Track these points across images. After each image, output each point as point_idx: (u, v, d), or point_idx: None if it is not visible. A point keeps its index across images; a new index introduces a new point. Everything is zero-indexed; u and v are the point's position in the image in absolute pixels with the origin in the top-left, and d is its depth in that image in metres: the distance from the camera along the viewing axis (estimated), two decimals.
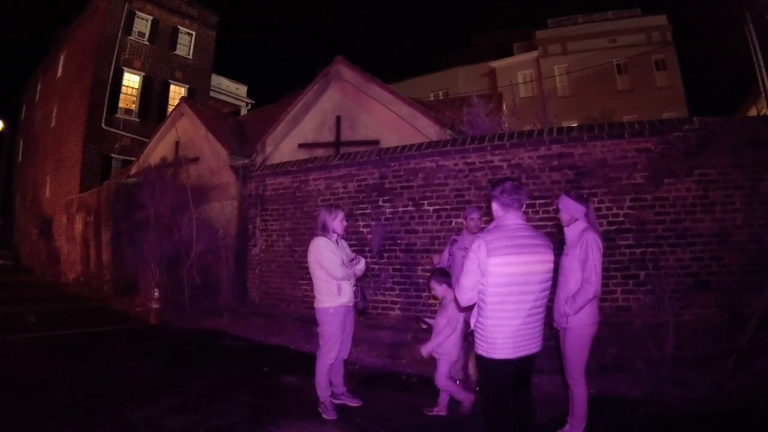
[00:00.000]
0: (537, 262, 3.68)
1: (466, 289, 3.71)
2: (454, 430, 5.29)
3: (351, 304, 5.86)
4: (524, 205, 3.90)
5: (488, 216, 7.77)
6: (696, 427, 5.11)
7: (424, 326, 5.93)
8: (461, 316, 5.47)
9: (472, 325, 3.84)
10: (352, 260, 5.92)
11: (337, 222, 5.82)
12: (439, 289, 5.77)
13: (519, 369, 3.75)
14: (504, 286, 3.59)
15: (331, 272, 5.63)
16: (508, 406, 3.78)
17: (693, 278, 7.08)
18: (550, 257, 3.78)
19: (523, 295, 3.62)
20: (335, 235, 5.86)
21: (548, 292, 3.81)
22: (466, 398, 5.56)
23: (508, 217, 3.78)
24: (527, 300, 3.64)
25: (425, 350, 5.59)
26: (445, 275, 5.88)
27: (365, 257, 9.05)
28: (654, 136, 7.48)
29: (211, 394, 6.34)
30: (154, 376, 7.17)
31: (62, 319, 11.47)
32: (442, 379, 5.58)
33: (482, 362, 3.77)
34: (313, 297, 5.87)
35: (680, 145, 7.34)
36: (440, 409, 5.61)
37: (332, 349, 5.71)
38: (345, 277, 5.68)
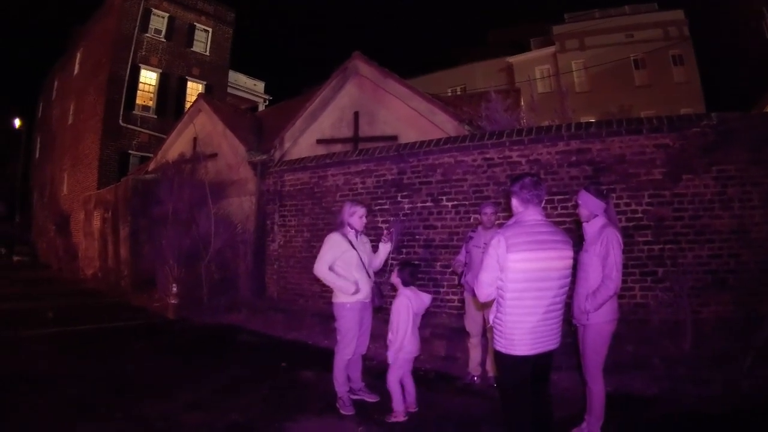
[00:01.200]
0: (556, 258, 3.66)
1: (485, 285, 3.69)
2: (471, 425, 5.26)
3: (368, 301, 5.84)
4: (543, 201, 3.88)
5: (505, 212, 7.81)
6: (712, 425, 5.06)
7: None
8: (410, 310, 5.31)
9: (490, 322, 3.83)
10: (384, 236, 5.94)
11: (354, 218, 5.79)
12: (395, 280, 5.60)
13: (537, 365, 3.74)
14: (522, 282, 3.58)
15: (318, 260, 5.72)
16: (526, 403, 3.77)
17: (711, 276, 7.02)
18: (569, 253, 3.77)
19: (542, 291, 3.61)
20: (353, 230, 5.83)
21: (567, 288, 3.79)
22: (400, 410, 5.32)
23: (528, 213, 3.77)
24: (546, 296, 3.62)
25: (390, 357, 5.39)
26: (410, 272, 5.63)
27: None
28: (672, 132, 7.42)
29: (228, 389, 6.36)
30: (171, 371, 7.23)
31: (80, 315, 11.58)
32: (389, 380, 5.38)
33: (501, 358, 3.76)
34: (332, 292, 5.86)
35: (698, 141, 7.27)
36: (396, 415, 5.32)
37: (350, 344, 5.71)
38: (318, 272, 5.70)
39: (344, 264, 5.67)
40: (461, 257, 6.90)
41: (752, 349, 6.02)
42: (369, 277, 5.84)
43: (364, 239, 6.01)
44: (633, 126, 7.67)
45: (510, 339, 3.63)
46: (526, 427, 3.75)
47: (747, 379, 5.80)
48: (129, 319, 11.23)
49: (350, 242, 5.71)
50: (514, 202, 3.87)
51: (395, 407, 5.29)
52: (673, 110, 15.87)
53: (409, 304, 5.29)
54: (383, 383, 5.74)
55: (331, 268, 5.71)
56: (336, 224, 5.97)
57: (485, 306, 6.21)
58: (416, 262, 8.32)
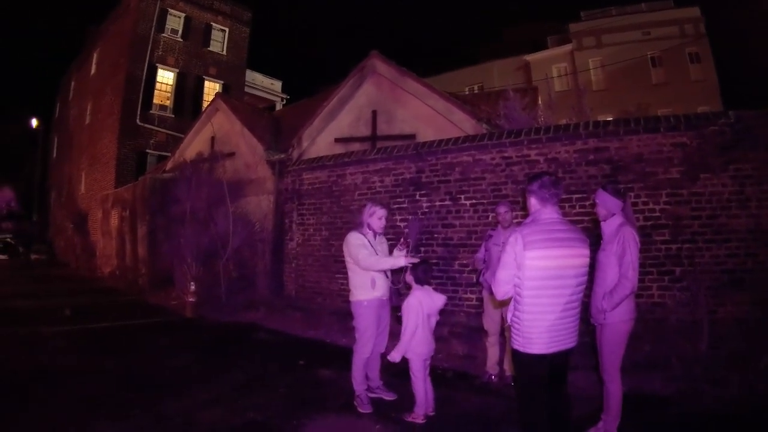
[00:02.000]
0: (573, 257, 3.68)
1: (503, 283, 3.73)
2: (489, 424, 5.26)
3: (385, 299, 5.86)
4: (560, 200, 3.90)
5: (523, 210, 7.78)
6: (729, 426, 5.03)
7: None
8: (420, 311, 5.25)
9: (508, 320, 3.85)
10: (400, 245, 5.85)
11: (374, 219, 5.79)
12: (408, 279, 5.52)
13: (554, 364, 3.76)
14: (540, 280, 3.61)
15: (359, 262, 5.62)
16: (542, 401, 3.79)
17: (728, 275, 6.95)
18: (586, 252, 3.79)
19: (559, 289, 3.64)
20: (371, 231, 5.84)
21: (584, 286, 3.81)
22: (421, 411, 5.27)
23: (545, 212, 3.79)
24: (563, 294, 3.65)
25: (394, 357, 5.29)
26: (426, 272, 5.53)
27: (401, 252, 9.14)
28: (689, 131, 7.36)
29: (246, 386, 6.39)
30: (189, 369, 7.26)
31: (98, 312, 11.68)
32: (415, 380, 5.32)
33: (518, 356, 3.79)
34: (350, 291, 5.87)
35: (715, 140, 7.20)
36: (416, 416, 5.28)
37: (368, 342, 5.72)
38: (372, 267, 5.62)
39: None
40: (481, 255, 6.93)
41: None
42: (387, 276, 5.86)
43: (382, 239, 6.02)
44: (650, 124, 7.62)
45: (527, 337, 3.66)
46: (542, 426, 3.77)
47: (764, 380, 5.76)
48: (147, 317, 11.33)
49: (369, 242, 5.73)
50: (532, 201, 3.88)
51: (416, 409, 5.27)
52: (690, 108, 15.78)
53: (418, 305, 5.23)
54: (401, 381, 5.76)
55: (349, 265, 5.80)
56: (355, 224, 5.97)
57: (503, 304, 6.20)
58: (432, 261, 8.34)
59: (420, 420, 5.22)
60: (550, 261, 3.60)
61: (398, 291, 6.03)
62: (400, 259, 5.46)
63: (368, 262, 5.58)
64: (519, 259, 3.61)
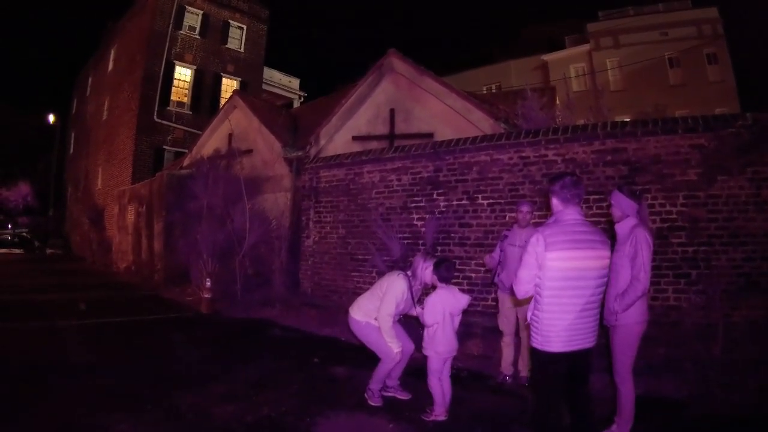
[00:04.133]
0: (593, 258, 3.70)
1: (524, 282, 3.77)
2: (502, 424, 5.24)
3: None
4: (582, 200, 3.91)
5: (540, 211, 7.79)
6: (742, 431, 5.01)
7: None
8: (445, 309, 5.24)
9: (528, 319, 3.87)
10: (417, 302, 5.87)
11: (427, 273, 5.59)
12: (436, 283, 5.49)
13: (573, 364, 3.79)
14: (560, 280, 3.64)
15: (381, 309, 5.59)
16: (556, 401, 3.85)
17: (744, 279, 6.89)
18: (607, 253, 3.82)
19: (579, 289, 3.67)
20: (421, 284, 5.77)
21: (603, 287, 3.85)
22: (441, 409, 5.28)
23: (567, 212, 3.82)
24: (583, 294, 3.68)
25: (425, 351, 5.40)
26: (449, 277, 5.48)
27: (419, 251, 9.15)
28: (707, 132, 7.30)
29: (260, 383, 6.39)
30: (203, 364, 7.28)
31: (113, 307, 11.77)
32: (429, 377, 5.32)
33: (536, 355, 3.82)
34: (365, 288, 5.86)
35: (733, 142, 7.13)
36: (438, 413, 5.27)
37: (387, 351, 5.65)
38: (382, 324, 5.59)
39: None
40: (495, 255, 6.90)
41: None
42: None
43: (418, 286, 5.88)
44: (668, 126, 7.57)
45: (546, 336, 3.69)
46: (557, 426, 3.81)
47: None
48: (162, 312, 11.38)
49: (411, 293, 5.69)
50: (554, 201, 3.91)
51: (436, 408, 5.26)
52: (708, 110, 15.71)
53: (439, 303, 5.23)
54: (416, 381, 5.76)
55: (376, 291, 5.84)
56: (409, 268, 5.90)
57: (518, 304, 6.31)
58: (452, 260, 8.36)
59: (443, 417, 5.21)
60: (571, 262, 3.63)
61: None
62: (395, 342, 5.57)
63: (384, 321, 5.57)
64: (540, 259, 3.65)
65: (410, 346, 5.95)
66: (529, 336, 3.92)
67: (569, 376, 3.81)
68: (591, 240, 3.72)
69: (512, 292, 6.34)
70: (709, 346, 6.50)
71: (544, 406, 3.84)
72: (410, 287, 5.67)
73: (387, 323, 5.53)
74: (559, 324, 3.65)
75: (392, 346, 5.54)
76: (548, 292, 3.66)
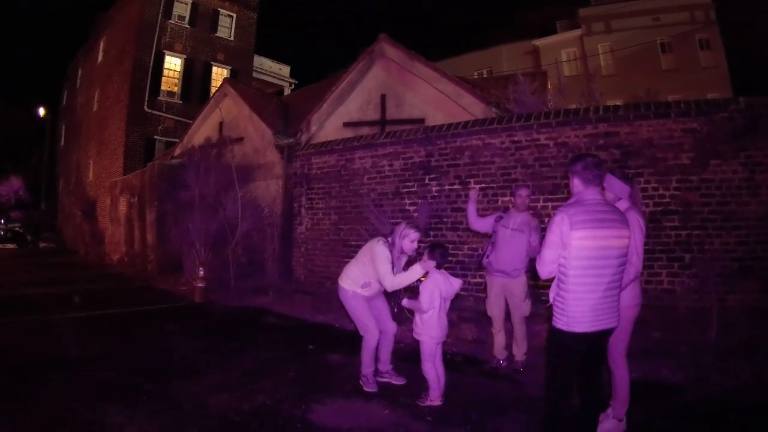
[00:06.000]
0: (616, 237, 3.72)
1: (548, 262, 3.77)
2: (497, 409, 5.22)
3: (371, 294, 5.82)
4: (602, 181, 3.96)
5: (533, 194, 7.76)
6: (737, 415, 4.99)
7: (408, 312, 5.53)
8: (441, 293, 5.19)
9: (551, 300, 3.86)
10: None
11: (406, 241, 5.61)
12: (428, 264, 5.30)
13: (593, 345, 3.81)
14: (585, 260, 3.65)
15: (383, 278, 5.51)
16: (571, 384, 3.85)
17: (737, 263, 6.96)
18: (627, 232, 3.81)
19: (603, 269, 3.68)
20: (397, 251, 5.71)
21: (624, 267, 3.84)
22: (437, 393, 5.26)
23: (588, 192, 3.83)
24: (606, 274, 3.68)
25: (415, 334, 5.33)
26: (445, 257, 5.39)
27: None
28: (700, 116, 7.34)
29: (256, 371, 6.37)
30: (198, 354, 7.24)
31: (107, 299, 11.68)
32: (423, 362, 5.26)
33: (559, 336, 3.78)
34: (342, 273, 5.86)
35: (726, 126, 7.17)
36: (434, 399, 5.25)
37: (367, 327, 5.69)
38: (393, 287, 5.52)
39: (374, 273, 5.62)
40: (486, 219, 6.75)
41: None
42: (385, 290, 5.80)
43: (403, 259, 5.89)
44: (661, 110, 7.60)
45: (572, 316, 3.68)
46: (565, 407, 3.84)
47: None
48: (156, 303, 11.33)
49: (391, 262, 5.62)
50: (576, 182, 3.91)
51: (431, 393, 5.25)
52: (700, 95, 15.67)
53: (435, 288, 5.19)
54: (410, 366, 5.74)
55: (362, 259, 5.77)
56: (382, 233, 5.87)
57: (506, 290, 6.39)
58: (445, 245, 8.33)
59: (438, 402, 5.21)
60: (596, 241, 3.64)
61: (397, 305, 5.97)
62: (416, 271, 5.35)
63: (389, 281, 5.48)
64: (565, 239, 3.66)
65: (393, 327, 5.97)
66: (551, 317, 3.88)
67: (587, 358, 3.84)
68: (612, 219, 3.74)
69: (501, 275, 6.38)
70: (703, 330, 6.54)
71: (560, 388, 3.87)
72: (390, 254, 5.63)
73: (398, 280, 5.47)
74: (586, 303, 3.66)
75: (413, 275, 5.39)
76: (574, 272, 3.66)
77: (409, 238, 5.61)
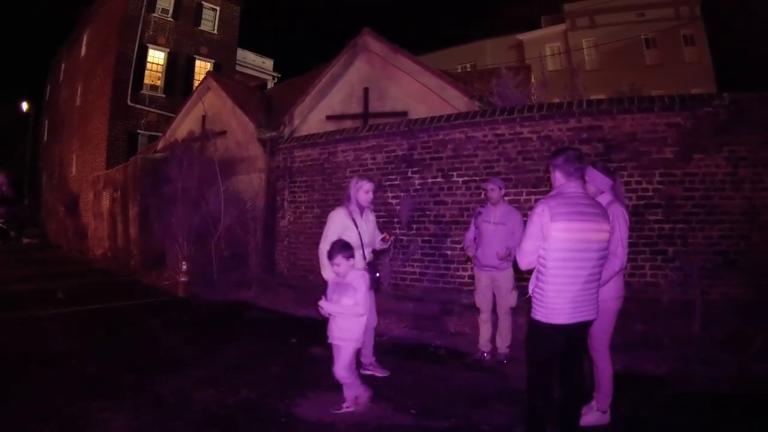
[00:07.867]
0: (596, 230, 3.75)
1: (527, 253, 3.80)
2: (481, 401, 5.21)
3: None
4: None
5: (515, 188, 7.78)
6: (721, 407, 5.01)
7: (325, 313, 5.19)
8: (369, 299, 5.06)
9: (530, 291, 3.88)
10: (383, 239, 5.85)
11: (360, 193, 5.68)
12: (345, 265, 4.80)
13: (572, 337, 3.84)
14: (565, 251, 3.68)
15: (321, 241, 5.53)
16: (552, 375, 3.89)
17: (721, 256, 7.03)
18: (607, 226, 3.86)
19: (583, 261, 3.71)
20: (358, 207, 5.73)
21: (604, 260, 3.89)
22: (363, 394, 4.98)
23: (569, 185, 3.87)
24: (586, 266, 3.72)
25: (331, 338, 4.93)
26: (349, 248, 4.91)
27: (394, 229, 9.11)
28: (684, 111, 7.40)
29: (239, 365, 6.37)
30: (182, 349, 7.23)
31: (91, 294, 11.60)
32: (341, 369, 4.82)
33: (538, 328, 3.81)
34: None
35: (710, 121, 7.24)
36: (348, 405, 4.93)
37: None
38: (320, 255, 5.42)
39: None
40: (470, 234, 6.78)
41: (762, 332, 6.04)
42: (364, 257, 5.67)
43: (370, 216, 5.90)
44: (644, 104, 7.65)
45: (551, 308, 3.71)
46: (547, 399, 3.88)
47: (756, 362, 5.79)
48: (140, 298, 11.29)
49: (353, 220, 5.62)
50: (557, 175, 3.96)
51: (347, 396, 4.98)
52: (684, 90, 15.60)
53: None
54: (393, 359, 5.72)
55: None
56: (343, 199, 5.87)
57: (494, 282, 6.40)
58: (424, 238, 8.32)
59: (354, 407, 4.95)
60: (576, 234, 3.67)
61: (375, 269, 5.90)
62: (328, 271, 5.18)
63: (322, 243, 5.47)
64: (545, 230, 3.68)
65: (375, 320, 5.96)
66: (529, 309, 3.90)
67: (566, 350, 3.86)
68: (593, 213, 3.77)
69: (489, 269, 6.37)
70: (687, 323, 6.61)
71: (541, 380, 3.89)
72: (349, 213, 5.64)
73: (322, 255, 5.36)
74: (564, 295, 3.68)
75: (324, 274, 5.39)
76: (553, 264, 3.69)
77: (363, 189, 5.67)
